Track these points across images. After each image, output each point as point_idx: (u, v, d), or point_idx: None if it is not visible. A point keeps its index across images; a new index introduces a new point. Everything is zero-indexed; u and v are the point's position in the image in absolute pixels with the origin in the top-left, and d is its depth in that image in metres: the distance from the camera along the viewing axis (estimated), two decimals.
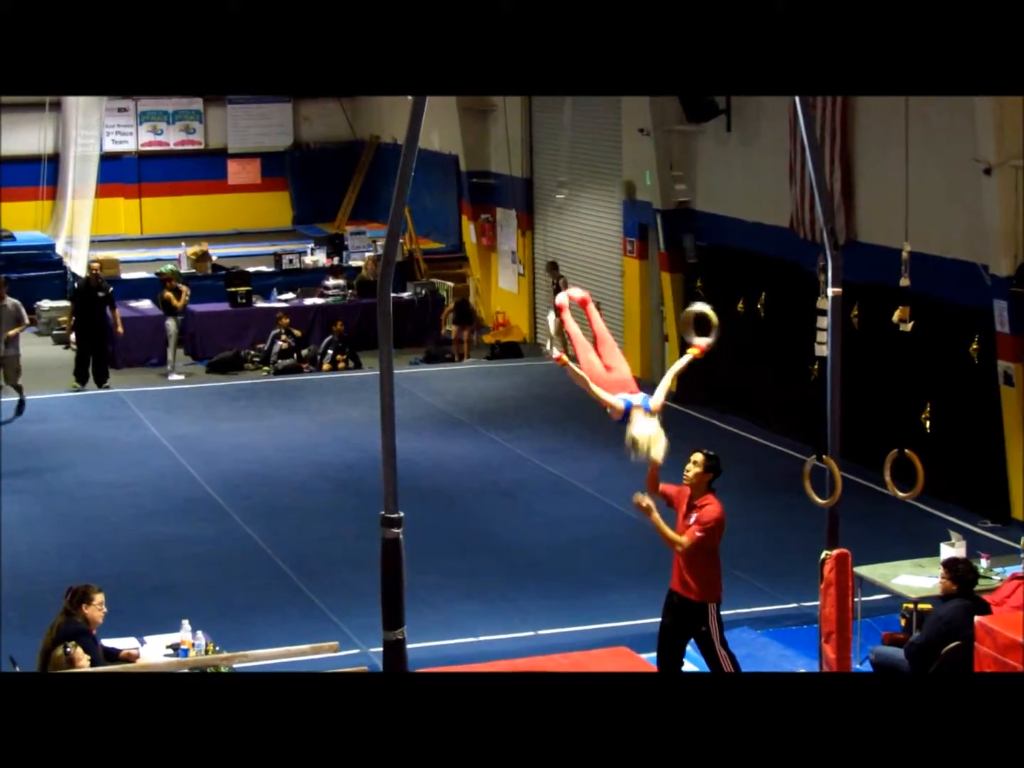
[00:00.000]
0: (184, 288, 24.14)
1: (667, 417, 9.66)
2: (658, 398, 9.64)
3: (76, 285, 23.51)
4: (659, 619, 10.93)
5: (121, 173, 32.16)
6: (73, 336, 23.31)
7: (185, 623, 11.10)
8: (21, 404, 20.81)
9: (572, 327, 9.75)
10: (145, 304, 25.27)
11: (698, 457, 10.94)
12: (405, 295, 26.18)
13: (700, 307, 10.16)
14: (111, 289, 23.16)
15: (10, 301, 21.03)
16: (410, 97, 8.94)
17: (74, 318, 23.03)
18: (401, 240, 25.55)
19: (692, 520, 10.79)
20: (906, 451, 10.26)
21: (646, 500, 10.43)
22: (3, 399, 20.96)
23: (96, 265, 23.36)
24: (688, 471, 10.91)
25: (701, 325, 10.09)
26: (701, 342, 9.92)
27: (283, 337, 24.25)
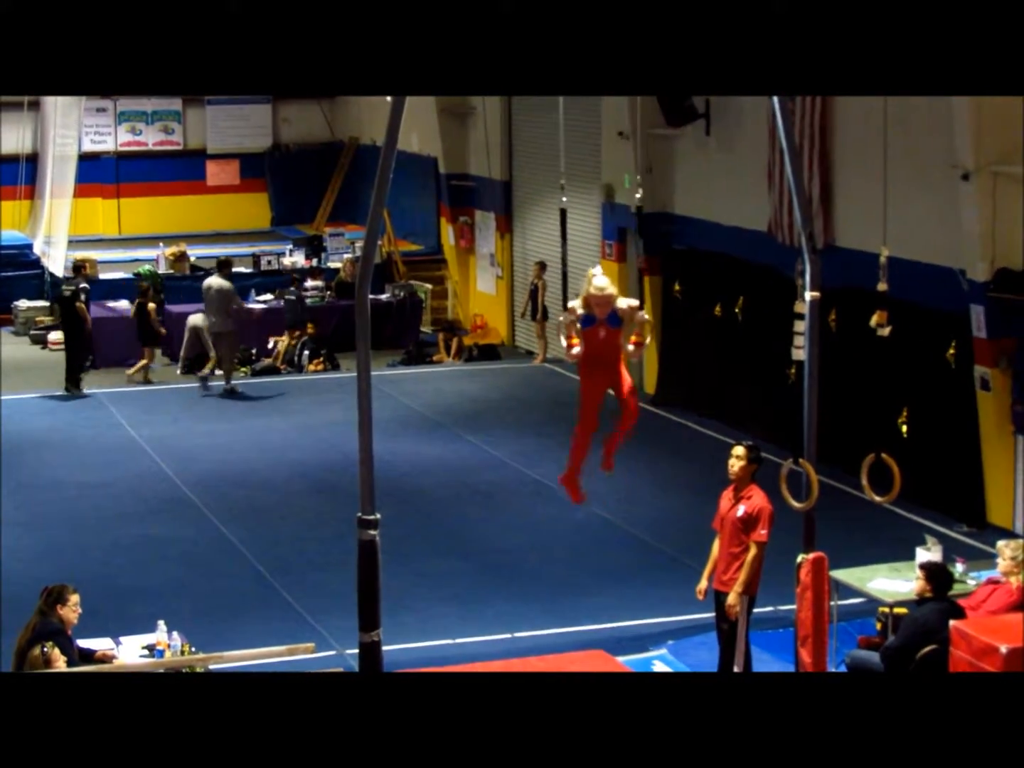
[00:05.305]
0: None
1: (644, 421, 9.66)
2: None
3: (63, 291, 23.03)
4: (636, 622, 10.94)
5: (99, 173, 32.07)
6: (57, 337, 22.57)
7: (161, 624, 11.07)
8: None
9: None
10: (122, 304, 25.15)
11: (739, 450, 11.20)
12: (383, 297, 26.17)
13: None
14: (83, 285, 23.02)
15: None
16: (389, 99, 8.93)
17: (60, 320, 22.61)
18: (380, 242, 25.52)
19: (740, 512, 11.07)
20: (883, 455, 10.27)
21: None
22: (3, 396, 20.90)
23: (84, 265, 23.12)
24: (732, 465, 11.16)
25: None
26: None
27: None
